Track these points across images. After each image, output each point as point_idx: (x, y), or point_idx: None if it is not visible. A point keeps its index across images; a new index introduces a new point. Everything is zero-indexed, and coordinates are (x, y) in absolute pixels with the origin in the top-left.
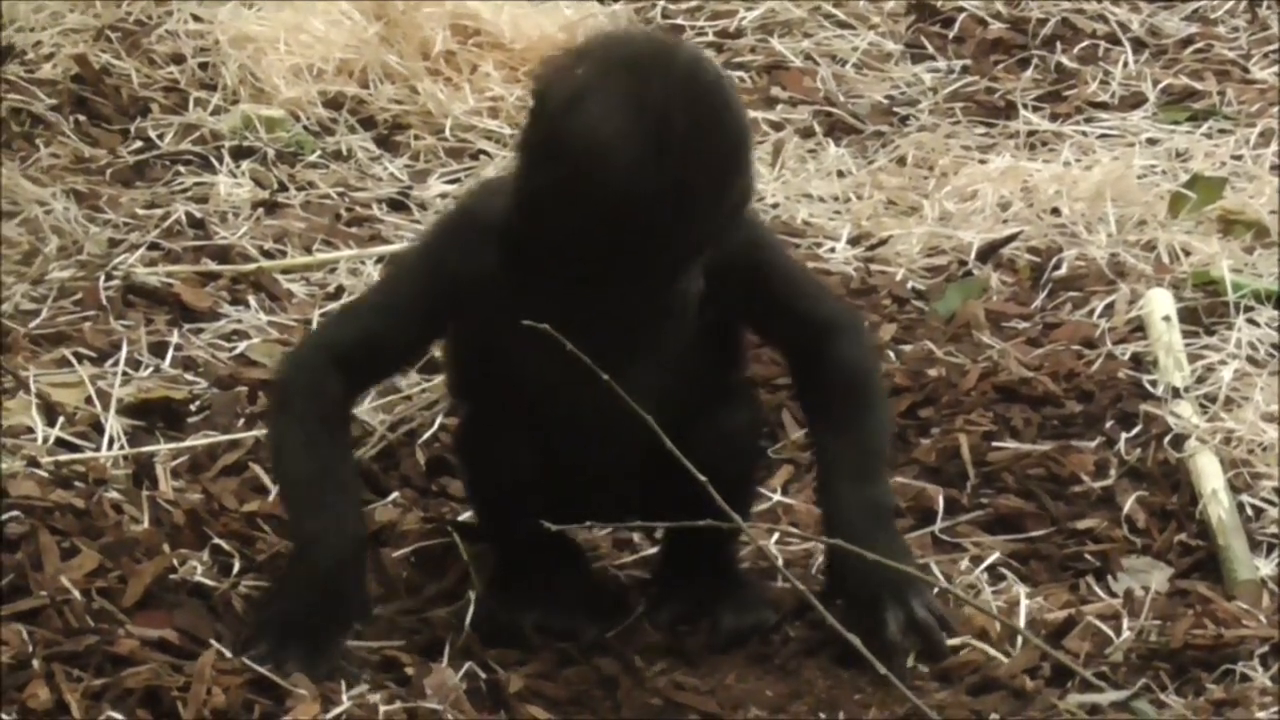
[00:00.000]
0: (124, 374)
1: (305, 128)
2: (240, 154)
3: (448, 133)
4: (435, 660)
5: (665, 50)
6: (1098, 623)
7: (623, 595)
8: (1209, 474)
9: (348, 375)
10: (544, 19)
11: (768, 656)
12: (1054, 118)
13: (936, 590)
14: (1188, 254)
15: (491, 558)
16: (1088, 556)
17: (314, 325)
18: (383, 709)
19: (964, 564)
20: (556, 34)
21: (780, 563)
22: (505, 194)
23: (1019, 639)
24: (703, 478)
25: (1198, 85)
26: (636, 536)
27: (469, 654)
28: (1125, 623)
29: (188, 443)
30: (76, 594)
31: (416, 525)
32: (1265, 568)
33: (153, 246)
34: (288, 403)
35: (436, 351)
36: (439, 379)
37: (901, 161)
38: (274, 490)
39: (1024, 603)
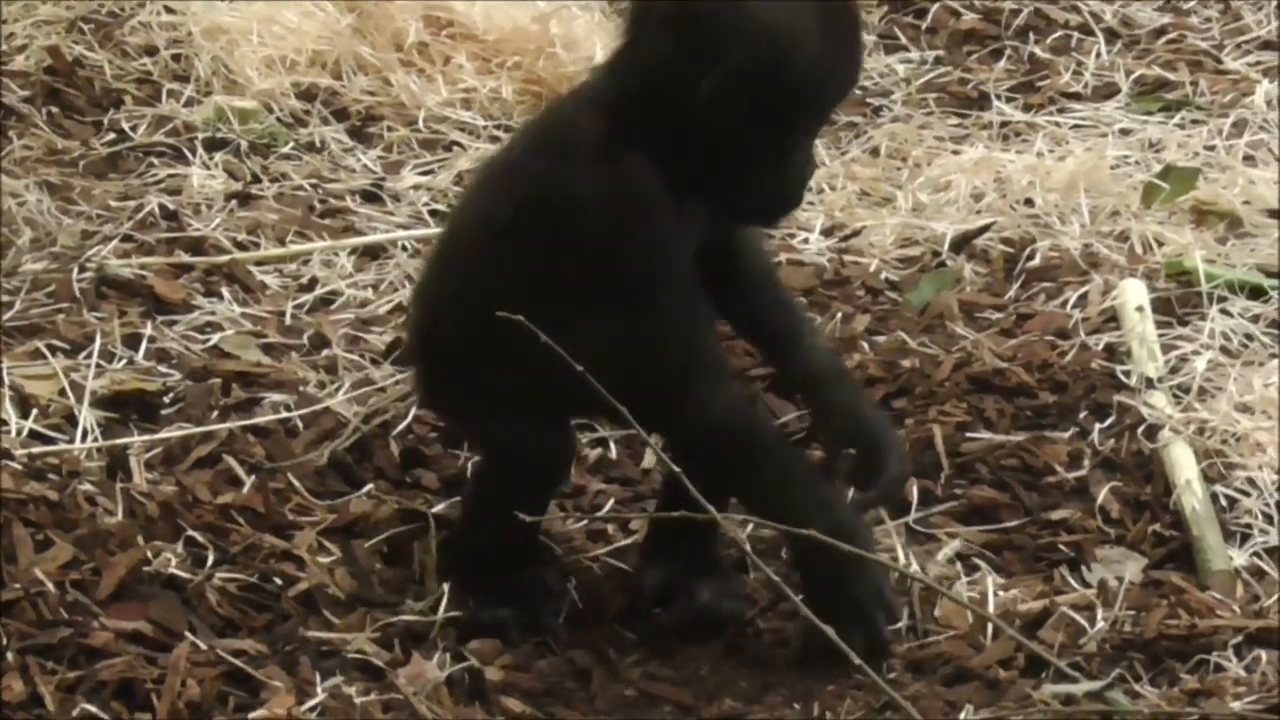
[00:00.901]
0: (97, 366)
1: (278, 119)
2: (213, 146)
3: (421, 124)
4: (411, 652)
5: None
6: (1072, 613)
7: (597, 587)
8: (1182, 464)
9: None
10: (517, 11)
11: (741, 648)
12: (1027, 108)
13: (911, 583)
14: (1161, 244)
15: (453, 550)
16: (1061, 547)
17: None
18: (358, 700)
19: (939, 554)
20: (530, 26)
21: (749, 549)
22: (606, 130)
23: (991, 629)
24: (676, 468)
25: (1170, 76)
26: (610, 528)
27: (445, 646)
28: (1099, 613)
29: (161, 435)
30: (50, 586)
31: (390, 516)
32: (1239, 558)
33: (126, 238)
34: (751, 443)
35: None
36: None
37: (875, 152)
38: (249, 482)
39: (997, 594)
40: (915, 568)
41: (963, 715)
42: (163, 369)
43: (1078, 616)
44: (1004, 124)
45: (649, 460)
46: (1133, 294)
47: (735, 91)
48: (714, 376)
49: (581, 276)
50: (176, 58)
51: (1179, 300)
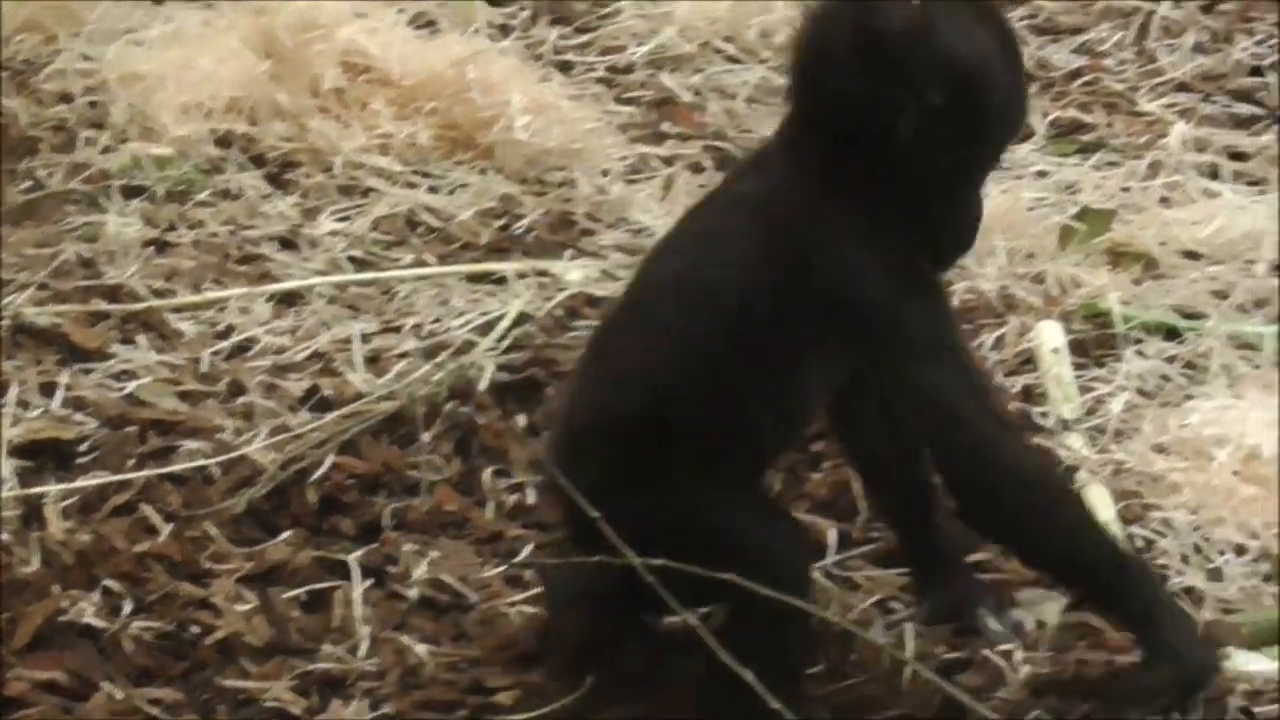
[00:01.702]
0: (13, 414)
1: (195, 166)
2: (130, 193)
3: (338, 170)
4: (329, 700)
5: None
6: (991, 655)
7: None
8: (1100, 505)
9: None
10: (433, 55)
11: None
12: None
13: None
14: (1077, 286)
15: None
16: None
17: (951, 405)
18: None
19: (857, 598)
20: (446, 70)
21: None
22: (792, 186)
23: (909, 673)
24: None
25: (1086, 118)
26: (528, 575)
27: (363, 693)
28: (1019, 655)
29: (78, 483)
30: None
31: (308, 564)
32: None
33: (42, 286)
34: (1040, 485)
35: (328, 391)
36: (330, 416)
37: None
38: (166, 530)
39: (917, 636)
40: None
41: None
42: (79, 417)
43: (996, 659)
44: None
45: None
46: (1049, 336)
47: (935, 130)
48: (1007, 423)
49: (856, 345)
50: (92, 105)
51: (1095, 342)
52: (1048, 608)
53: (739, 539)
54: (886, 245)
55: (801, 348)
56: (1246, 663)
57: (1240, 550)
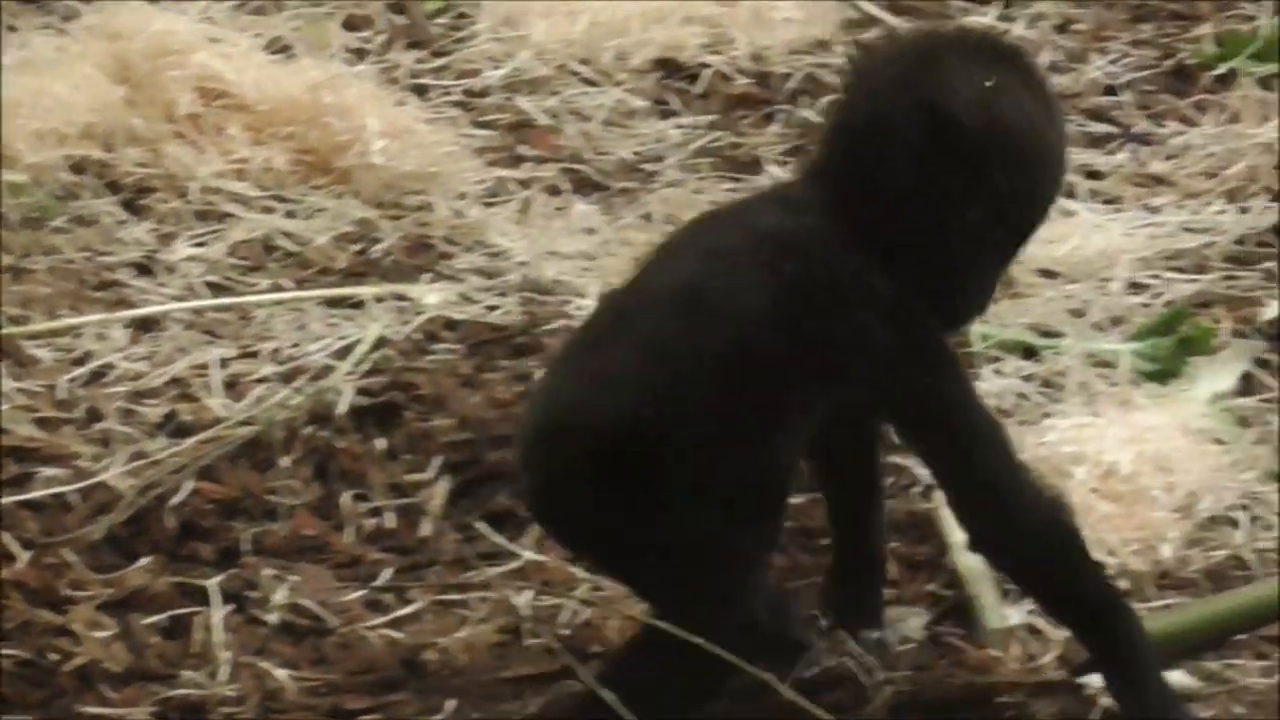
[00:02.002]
0: None
1: (49, 192)
2: None
3: (194, 195)
4: None
5: (997, 40)
6: (855, 670)
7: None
8: (957, 524)
9: None
10: (288, 80)
11: None
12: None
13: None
14: None
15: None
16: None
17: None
18: None
19: None
20: (302, 95)
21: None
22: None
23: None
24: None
25: None
26: (388, 598)
27: (224, 718)
28: (879, 672)
29: None
30: None
31: (167, 589)
32: (1014, 616)
33: None
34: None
35: (186, 416)
36: (189, 442)
37: (648, 218)
38: (24, 557)
39: None
40: None
41: None
42: None
43: (860, 674)
44: None
45: (426, 528)
46: None
47: (998, 212)
48: (1032, 480)
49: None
50: None
51: None
52: (912, 623)
53: (700, 547)
54: (909, 308)
55: (800, 383)
56: (1105, 680)
57: None
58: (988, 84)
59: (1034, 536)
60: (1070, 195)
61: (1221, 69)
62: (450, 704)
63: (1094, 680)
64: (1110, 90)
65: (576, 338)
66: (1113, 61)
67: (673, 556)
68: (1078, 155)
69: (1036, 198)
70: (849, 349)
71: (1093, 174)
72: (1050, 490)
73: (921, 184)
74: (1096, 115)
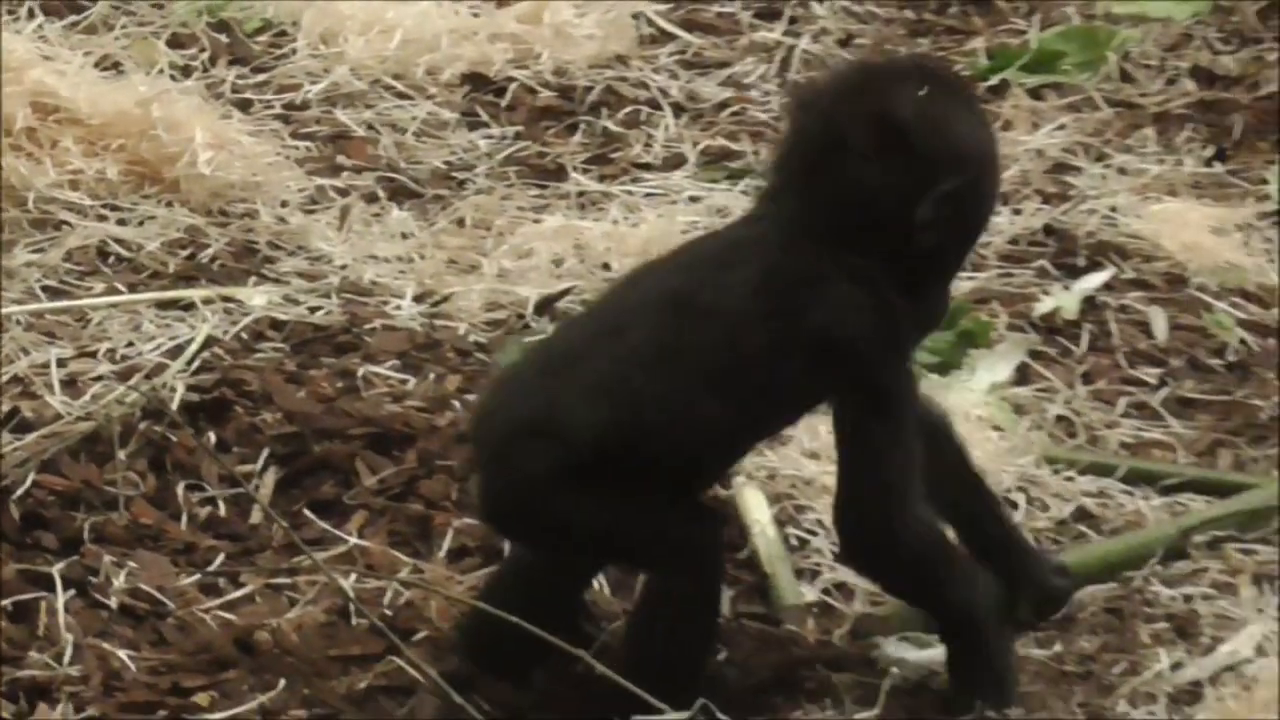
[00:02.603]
0: None
1: None
2: None
3: (31, 205)
4: (36, 705)
5: (925, 63)
6: None
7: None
8: (756, 508)
9: None
10: (119, 95)
11: None
12: (602, 179)
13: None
14: None
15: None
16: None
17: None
18: None
19: None
20: (133, 109)
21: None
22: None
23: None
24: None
25: (734, 146)
26: (221, 582)
27: (69, 698)
28: None
29: None
30: None
31: (13, 577)
32: (810, 593)
33: None
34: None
35: (28, 413)
36: (31, 437)
37: (461, 223)
38: None
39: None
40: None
41: None
42: None
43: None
44: (581, 194)
45: (256, 516)
46: None
47: (946, 212)
48: (920, 496)
49: (839, 395)
50: None
51: None
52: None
53: (665, 543)
54: (881, 307)
55: (778, 380)
56: (896, 650)
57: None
58: (921, 92)
59: (909, 546)
60: None
61: (994, 80)
62: (281, 681)
63: (888, 649)
64: None
65: (553, 342)
66: None
67: (645, 541)
68: None
69: (980, 198)
70: (828, 337)
71: None
72: (929, 517)
73: (878, 188)
74: None
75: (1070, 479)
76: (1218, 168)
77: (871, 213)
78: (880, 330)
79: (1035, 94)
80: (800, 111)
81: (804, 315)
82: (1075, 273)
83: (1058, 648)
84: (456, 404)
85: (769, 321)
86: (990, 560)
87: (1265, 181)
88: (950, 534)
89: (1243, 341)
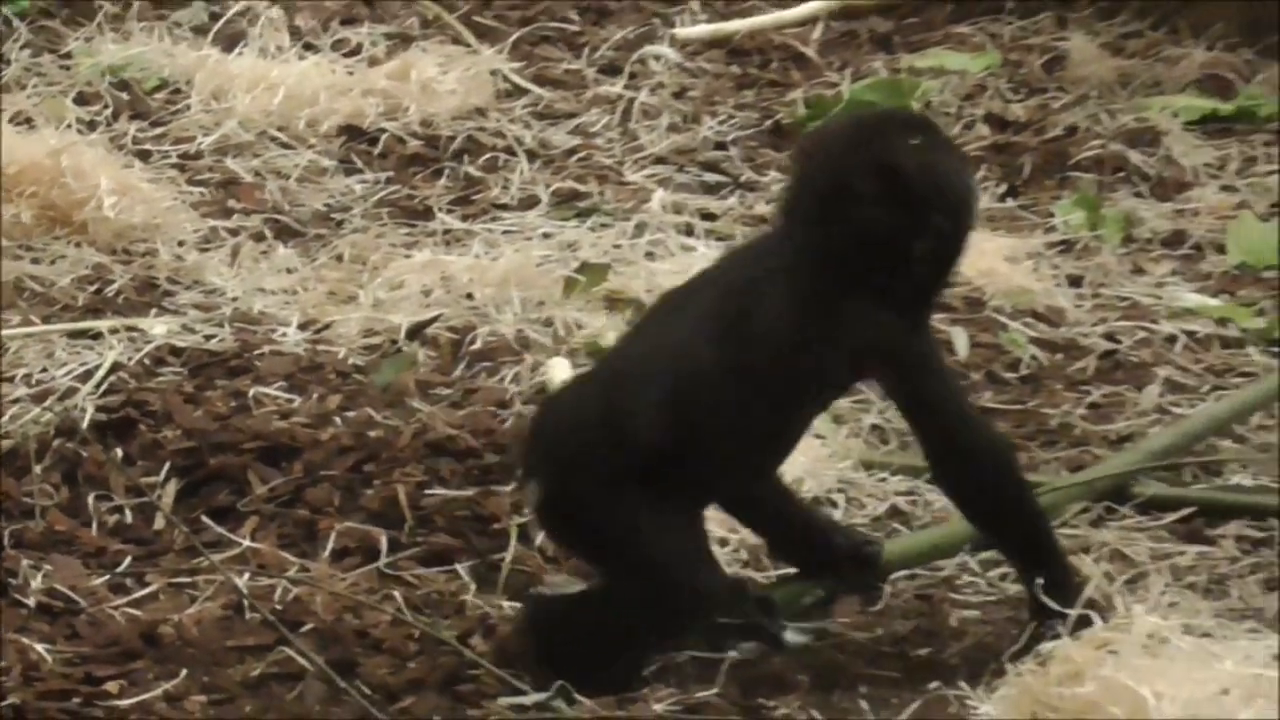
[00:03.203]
0: None
1: None
2: None
3: None
4: None
5: (911, 115)
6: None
7: None
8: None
9: None
10: (31, 147)
11: None
12: (465, 218)
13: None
14: (580, 327)
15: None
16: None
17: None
18: None
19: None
20: (44, 159)
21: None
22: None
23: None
24: None
25: (581, 188)
26: (129, 581)
27: (1, 694)
28: None
29: None
30: None
31: None
32: None
33: None
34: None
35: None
36: None
37: (340, 259)
38: None
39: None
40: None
41: None
42: None
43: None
44: (447, 232)
45: (159, 522)
46: (558, 370)
47: (938, 246)
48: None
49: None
50: None
51: None
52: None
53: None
54: (892, 311)
55: (823, 387)
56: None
57: (723, 542)
58: (914, 143)
59: (988, 465)
60: (690, 233)
61: (810, 127)
62: (183, 670)
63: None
64: (721, 146)
65: (595, 375)
66: (721, 122)
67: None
68: (695, 201)
69: (963, 231)
70: (866, 345)
71: (708, 215)
72: (996, 430)
73: (882, 227)
74: (710, 167)
75: (884, 480)
76: (1010, 203)
77: (876, 246)
78: (898, 323)
79: None
80: (808, 160)
81: (843, 330)
82: None
83: (878, 631)
84: (337, 420)
85: (812, 340)
86: (811, 537)
87: (1052, 215)
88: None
89: (1034, 357)
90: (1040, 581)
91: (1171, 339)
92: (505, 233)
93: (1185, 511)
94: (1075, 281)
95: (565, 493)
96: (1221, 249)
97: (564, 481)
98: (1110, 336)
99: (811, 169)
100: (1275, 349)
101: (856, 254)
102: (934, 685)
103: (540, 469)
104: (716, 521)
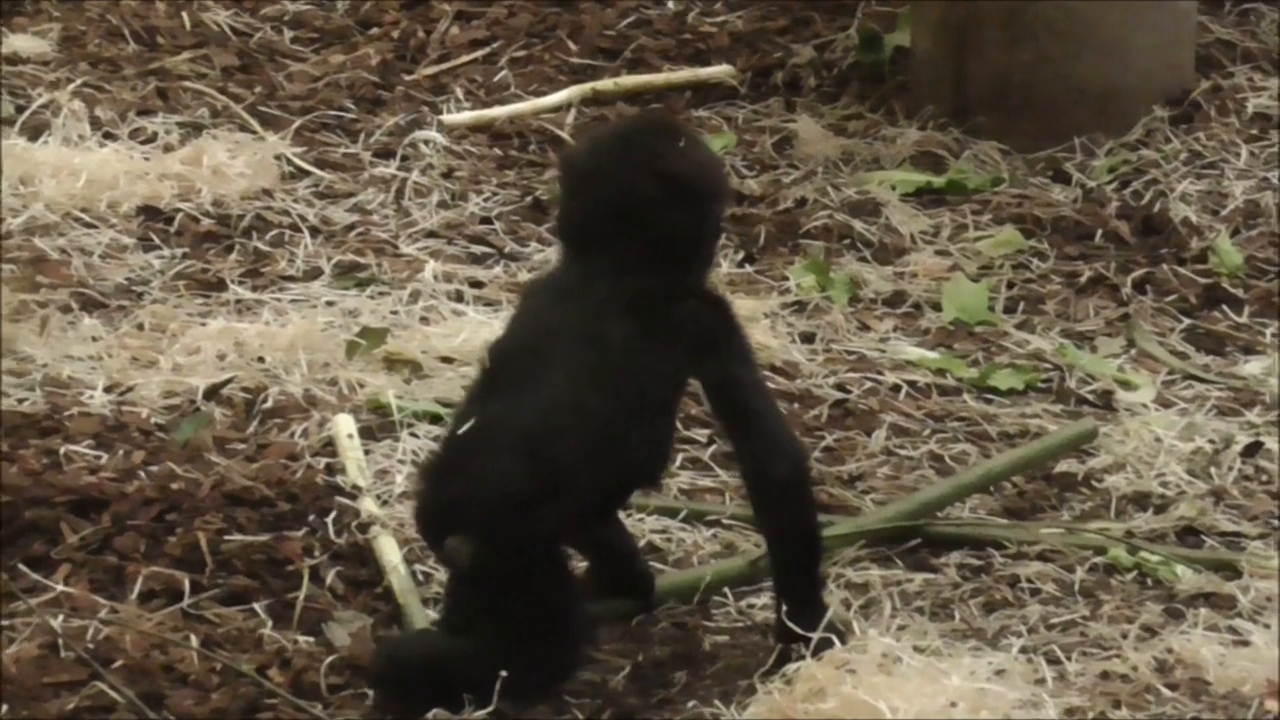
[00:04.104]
0: None
1: None
2: None
3: None
4: None
5: (665, 120)
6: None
7: None
8: (389, 551)
9: None
10: None
11: None
12: (255, 289)
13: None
14: (363, 386)
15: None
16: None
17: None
18: None
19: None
20: None
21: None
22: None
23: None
24: None
25: (361, 260)
26: None
27: None
28: (326, 661)
29: None
30: None
31: None
32: (436, 616)
33: None
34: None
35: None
36: None
37: (141, 327)
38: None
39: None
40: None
41: None
42: None
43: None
44: (239, 301)
45: None
46: (344, 425)
47: (713, 230)
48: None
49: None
50: None
51: (379, 428)
52: (356, 623)
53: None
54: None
55: (676, 385)
56: None
57: None
58: (680, 145)
59: (791, 458)
60: (460, 300)
61: None
62: (4, 706)
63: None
64: (486, 220)
65: (463, 442)
66: (486, 199)
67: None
68: (465, 270)
69: (724, 211)
70: (687, 335)
71: (476, 284)
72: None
73: (671, 225)
74: (477, 240)
75: (641, 519)
76: (748, 268)
77: (668, 242)
78: (720, 315)
79: None
80: (580, 179)
81: (681, 331)
82: None
83: (639, 656)
84: (142, 474)
85: (659, 348)
86: (629, 558)
87: (786, 278)
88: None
89: None
90: (785, 608)
91: (896, 388)
92: (292, 301)
93: (912, 542)
94: (808, 338)
95: (504, 548)
96: (937, 307)
97: (505, 537)
98: (841, 387)
99: (590, 188)
100: (988, 395)
101: (662, 257)
102: (691, 704)
103: (467, 529)
104: None
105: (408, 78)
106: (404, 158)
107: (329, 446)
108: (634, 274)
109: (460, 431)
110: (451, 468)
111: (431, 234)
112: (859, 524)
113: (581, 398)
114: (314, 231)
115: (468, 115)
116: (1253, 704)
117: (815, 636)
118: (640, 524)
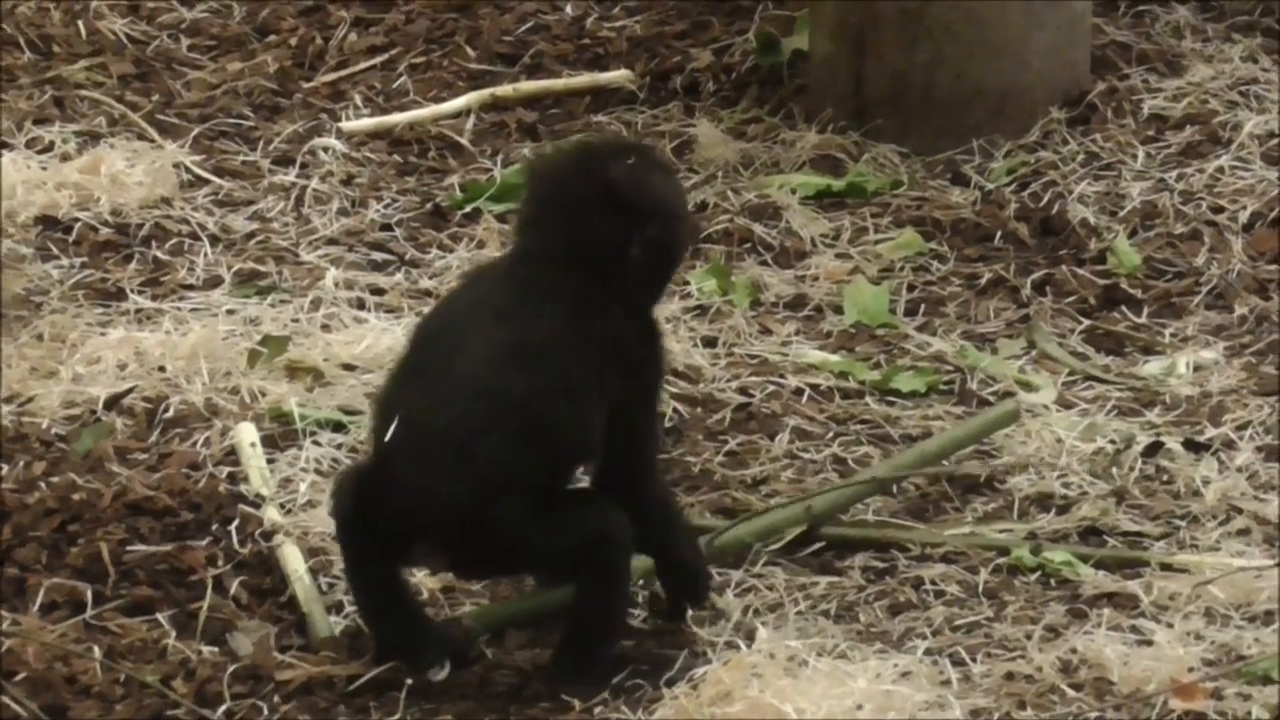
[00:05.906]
0: None
1: None
2: None
3: None
4: None
5: (628, 141)
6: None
7: None
8: (293, 560)
9: None
10: None
11: None
12: (155, 298)
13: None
14: (265, 394)
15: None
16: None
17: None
18: None
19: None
20: None
21: None
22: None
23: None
24: None
25: (261, 268)
26: None
27: None
28: (230, 671)
29: None
30: None
31: None
32: (340, 625)
33: None
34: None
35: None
36: None
37: (40, 338)
38: None
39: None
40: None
41: None
42: None
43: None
44: (139, 311)
45: None
46: (246, 434)
47: (651, 254)
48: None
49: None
50: None
51: (281, 436)
52: (259, 633)
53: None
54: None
55: (599, 386)
56: None
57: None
58: (630, 162)
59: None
60: (362, 307)
61: (468, 208)
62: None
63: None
64: (387, 227)
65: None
66: (386, 206)
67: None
68: (366, 277)
69: (674, 241)
70: (614, 342)
71: (377, 290)
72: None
73: (601, 233)
74: (378, 246)
75: None
76: None
77: (601, 252)
78: (649, 329)
79: (501, 219)
80: (539, 180)
81: (602, 341)
82: None
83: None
84: (43, 485)
85: (582, 345)
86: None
87: (688, 283)
88: None
89: (676, 411)
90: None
91: (798, 392)
92: (193, 310)
93: (816, 546)
94: (710, 342)
95: (478, 533)
96: (839, 310)
97: (481, 529)
98: (743, 391)
99: (543, 187)
100: (890, 398)
101: (584, 259)
102: (599, 710)
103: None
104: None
105: (306, 85)
106: (303, 165)
107: (231, 456)
108: (569, 272)
109: (388, 437)
110: (390, 476)
111: (332, 241)
112: (839, 492)
113: (503, 378)
114: (214, 240)
115: (367, 122)
116: (1157, 703)
117: (719, 638)
118: None
